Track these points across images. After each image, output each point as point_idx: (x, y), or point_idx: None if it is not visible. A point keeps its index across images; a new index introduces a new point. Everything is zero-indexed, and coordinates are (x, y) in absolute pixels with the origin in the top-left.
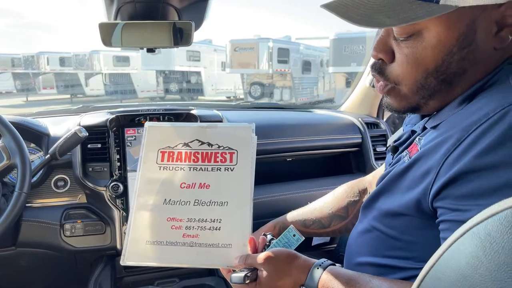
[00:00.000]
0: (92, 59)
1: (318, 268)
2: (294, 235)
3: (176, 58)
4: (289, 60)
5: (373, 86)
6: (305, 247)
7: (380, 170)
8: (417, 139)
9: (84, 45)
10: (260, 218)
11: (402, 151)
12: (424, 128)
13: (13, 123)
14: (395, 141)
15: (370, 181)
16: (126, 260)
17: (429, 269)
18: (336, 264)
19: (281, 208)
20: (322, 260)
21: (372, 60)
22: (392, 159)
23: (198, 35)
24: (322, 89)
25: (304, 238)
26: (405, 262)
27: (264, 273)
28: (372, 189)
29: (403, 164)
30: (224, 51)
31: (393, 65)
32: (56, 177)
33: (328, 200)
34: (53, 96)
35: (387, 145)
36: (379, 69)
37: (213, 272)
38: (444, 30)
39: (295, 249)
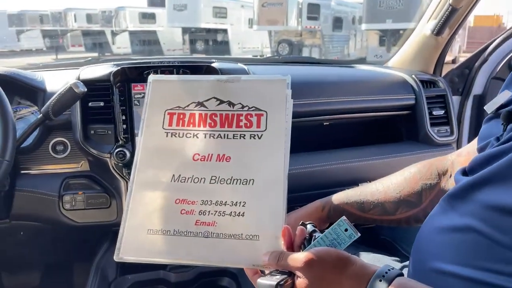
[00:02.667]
0: (118, 16)
1: (381, 281)
2: (346, 230)
3: (202, 15)
4: (320, 16)
5: (437, 34)
6: None
7: (470, 147)
8: None
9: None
10: (290, 192)
11: None
12: None
13: (2, 76)
14: (502, 106)
15: (454, 161)
16: (122, 254)
17: None
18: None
19: (317, 181)
20: (386, 267)
21: None
22: (503, 131)
23: None
24: (354, 47)
25: (359, 234)
26: None
27: (304, 281)
28: (455, 171)
29: None
30: (252, 7)
31: None
32: (55, 140)
33: (396, 181)
34: (81, 54)
35: (490, 111)
36: None
37: None
38: None
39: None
